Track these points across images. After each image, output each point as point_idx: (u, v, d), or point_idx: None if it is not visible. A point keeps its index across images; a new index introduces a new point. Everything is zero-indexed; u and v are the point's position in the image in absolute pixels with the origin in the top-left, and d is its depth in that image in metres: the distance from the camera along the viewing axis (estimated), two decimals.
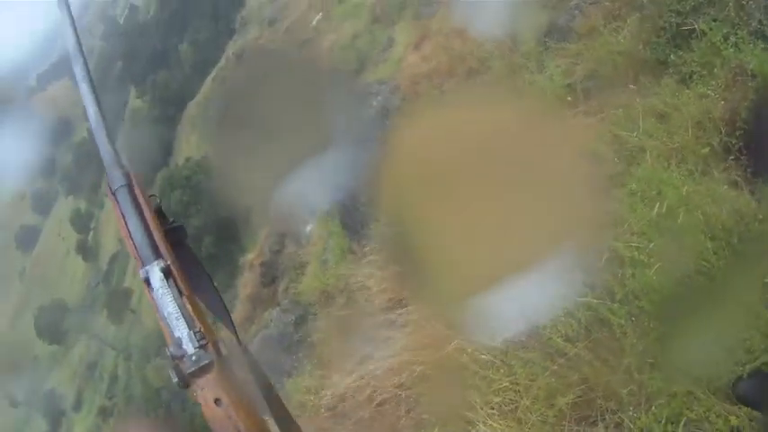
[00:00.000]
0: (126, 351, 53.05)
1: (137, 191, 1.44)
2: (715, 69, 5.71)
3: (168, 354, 1.21)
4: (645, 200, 4.76)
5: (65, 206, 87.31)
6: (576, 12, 8.62)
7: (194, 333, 1.22)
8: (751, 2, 5.87)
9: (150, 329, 47.33)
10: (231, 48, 50.54)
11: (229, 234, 32.84)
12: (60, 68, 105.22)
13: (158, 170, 43.57)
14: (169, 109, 53.29)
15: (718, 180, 4.65)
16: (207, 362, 1.19)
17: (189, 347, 1.21)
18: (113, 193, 1.43)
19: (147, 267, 1.31)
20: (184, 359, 1.20)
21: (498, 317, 3.98)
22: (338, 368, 5.83)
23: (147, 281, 1.29)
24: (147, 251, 1.34)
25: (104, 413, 55.28)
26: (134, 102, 67.31)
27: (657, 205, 4.58)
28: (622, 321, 3.90)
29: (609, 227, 4.64)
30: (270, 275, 17.80)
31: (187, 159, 38.01)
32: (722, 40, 5.80)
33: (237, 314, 20.69)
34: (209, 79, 52.11)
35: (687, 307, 3.67)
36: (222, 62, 50.58)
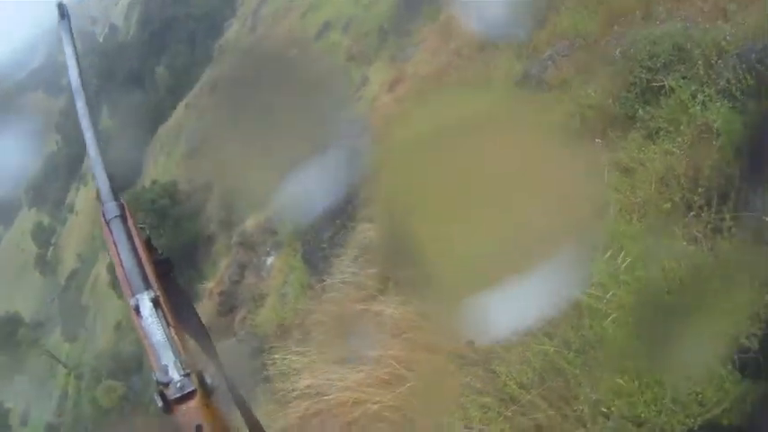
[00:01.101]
0: (77, 369, 51.81)
1: (130, 222, 1.51)
2: (681, 126, 5.83)
3: (154, 379, 1.27)
4: (606, 252, 4.79)
5: (28, 218, 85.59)
6: (549, 63, 8.77)
7: (180, 362, 1.27)
8: (720, 61, 6.02)
9: (103, 350, 46.35)
10: (206, 75, 50.53)
11: (190, 260, 32.50)
12: (35, 79, 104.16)
13: (124, 190, 43.08)
14: (140, 131, 52.95)
15: (679, 235, 4.70)
16: (190, 390, 1.25)
17: (175, 375, 1.26)
18: (107, 223, 1.50)
19: (137, 296, 1.37)
20: (170, 386, 1.25)
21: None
22: (292, 401, 5.74)
23: (137, 309, 1.36)
24: (137, 280, 1.40)
25: (51, 431, 53.84)
26: (105, 121, 66.84)
27: (618, 258, 4.62)
28: (577, 371, 3.90)
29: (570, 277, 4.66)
30: (228, 305, 17.74)
31: (153, 182, 37.62)
32: (690, 97, 5.93)
33: (193, 342, 20.49)
34: (181, 105, 51.94)
35: (642, 359, 3.68)
36: (196, 89, 50.50)
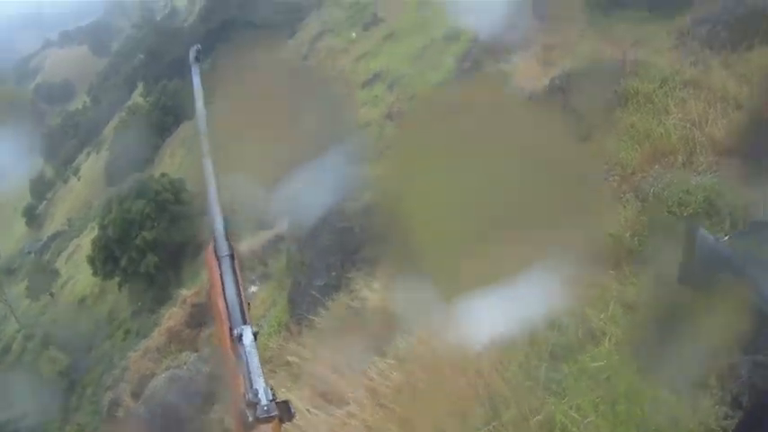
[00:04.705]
0: (29, 330, 50.78)
1: (237, 263, 1.73)
2: None
3: (247, 398, 1.50)
4: (592, 379, 4.78)
5: (32, 165, 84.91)
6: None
7: (269, 388, 1.52)
8: (745, 226, 6.08)
9: (59, 319, 45.64)
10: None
11: (173, 261, 32.35)
12: (85, 35, 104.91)
13: (133, 172, 43.09)
14: (167, 118, 53.16)
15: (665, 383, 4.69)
16: (274, 414, 1.49)
17: (263, 399, 1.50)
18: (218, 258, 1.73)
19: (241, 327, 1.61)
20: (257, 407, 1.49)
21: None
22: None
23: (240, 338, 1.60)
24: (237, 315, 1.65)
25: None
26: (137, 97, 67.19)
27: (603, 389, 4.61)
28: None
29: (551, 394, 4.65)
30: (198, 319, 17.69)
31: (163, 174, 37.48)
32: None
33: (152, 341, 20.26)
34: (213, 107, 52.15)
35: None
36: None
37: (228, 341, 1.61)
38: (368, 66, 34.41)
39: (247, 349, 1.57)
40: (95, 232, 39.42)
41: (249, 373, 1.54)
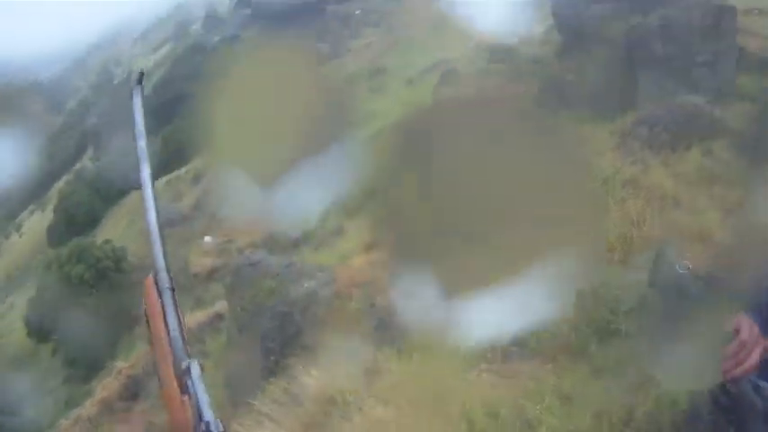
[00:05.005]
0: None
1: (176, 297, 1.71)
2: (627, 370, 6.03)
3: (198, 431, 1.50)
4: None
5: None
6: None
7: (219, 420, 1.51)
8: None
9: None
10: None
11: (109, 332, 31.34)
12: (42, 89, 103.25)
13: (75, 235, 42.07)
14: (114, 185, 52.26)
15: None
16: None
17: (214, 430, 1.49)
18: (159, 291, 1.70)
19: (188, 361, 1.59)
20: None
21: None
22: None
23: (188, 370, 1.58)
24: (180, 347, 1.64)
25: None
26: (86, 160, 66.20)
27: None
28: None
29: None
30: (132, 391, 17.20)
31: (106, 241, 36.68)
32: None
33: (85, 411, 19.54)
34: (163, 179, 51.25)
35: None
36: (183, 170, 49.46)
37: (173, 376, 1.60)
38: None
39: (195, 381, 1.56)
40: (33, 292, 38.21)
41: (198, 405, 1.54)
